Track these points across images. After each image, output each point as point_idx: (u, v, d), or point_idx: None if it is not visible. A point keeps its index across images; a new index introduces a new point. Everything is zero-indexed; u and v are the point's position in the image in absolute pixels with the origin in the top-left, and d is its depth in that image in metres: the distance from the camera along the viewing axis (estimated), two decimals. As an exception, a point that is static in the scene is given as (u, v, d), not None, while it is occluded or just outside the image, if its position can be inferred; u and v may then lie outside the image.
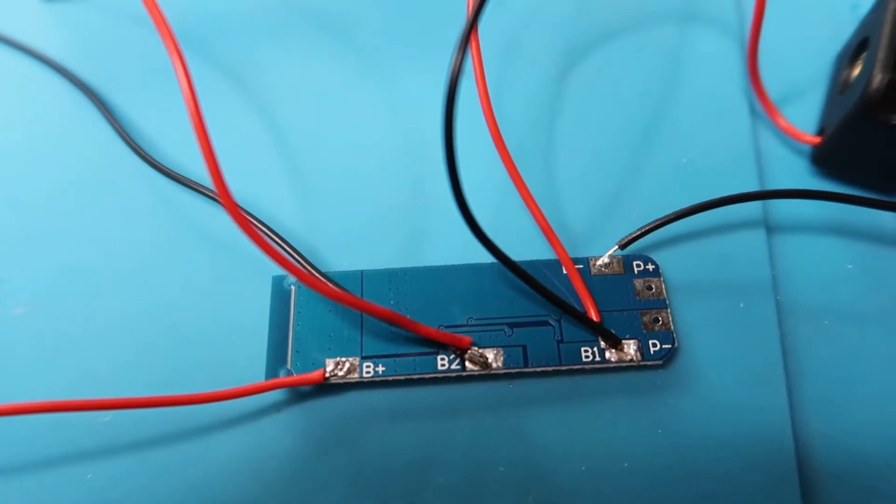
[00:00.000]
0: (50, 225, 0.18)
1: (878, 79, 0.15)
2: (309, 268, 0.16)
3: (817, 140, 0.17)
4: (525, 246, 0.17)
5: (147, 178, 0.19)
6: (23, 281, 0.17)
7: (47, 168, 0.19)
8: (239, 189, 0.18)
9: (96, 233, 0.18)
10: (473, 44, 0.16)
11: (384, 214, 0.18)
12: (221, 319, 0.17)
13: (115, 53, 0.21)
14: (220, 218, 0.18)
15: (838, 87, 0.17)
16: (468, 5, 0.16)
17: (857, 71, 0.17)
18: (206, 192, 0.18)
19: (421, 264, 0.17)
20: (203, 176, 0.18)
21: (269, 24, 0.21)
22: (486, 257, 0.16)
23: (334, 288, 0.14)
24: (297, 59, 0.20)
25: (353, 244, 0.18)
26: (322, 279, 0.15)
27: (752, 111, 0.19)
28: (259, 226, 0.17)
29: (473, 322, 0.16)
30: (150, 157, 0.18)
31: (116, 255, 0.18)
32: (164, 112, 0.20)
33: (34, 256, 0.18)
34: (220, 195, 0.13)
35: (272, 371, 0.16)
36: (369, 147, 0.19)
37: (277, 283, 0.17)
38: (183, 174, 0.18)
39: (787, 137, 0.18)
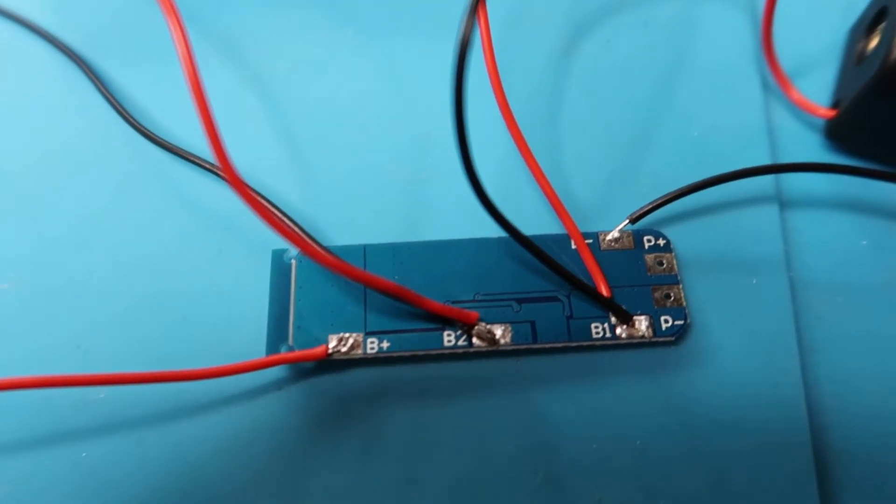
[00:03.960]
0: (37, 197, 0.17)
1: (898, 48, 0.14)
2: (313, 240, 0.15)
3: (831, 113, 0.17)
4: (532, 220, 0.16)
5: (139, 149, 0.18)
6: (8, 255, 0.17)
7: (35, 138, 0.18)
8: (236, 161, 0.17)
9: (85, 205, 0.17)
10: (482, 13, 0.16)
11: (385, 188, 0.17)
12: (218, 294, 0.16)
13: (104, 21, 0.20)
14: (216, 190, 0.17)
15: (854, 58, 0.17)
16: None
17: (874, 42, 0.16)
18: (202, 162, 0.17)
19: (424, 239, 0.16)
20: (197, 146, 0.18)
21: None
22: (493, 232, 0.16)
23: (340, 261, 0.14)
24: (293, 30, 0.20)
25: (354, 219, 0.17)
26: (327, 252, 0.15)
27: (764, 84, 0.18)
28: (260, 198, 0.16)
29: (480, 297, 0.15)
30: (142, 126, 0.18)
31: (107, 229, 0.17)
32: (155, 81, 0.19)
33: (20, 229, 0.17)
34: (222, 166, 0.12)
35: (273, 347, 0.15)
36: (369, 120, 0.18)
37: (277, 257, 0.16)
38: (177, 144, 0.17)
39: (800, 111, 0.18)
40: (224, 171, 0.12)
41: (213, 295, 0.16)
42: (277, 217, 0.16)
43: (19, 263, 0.16)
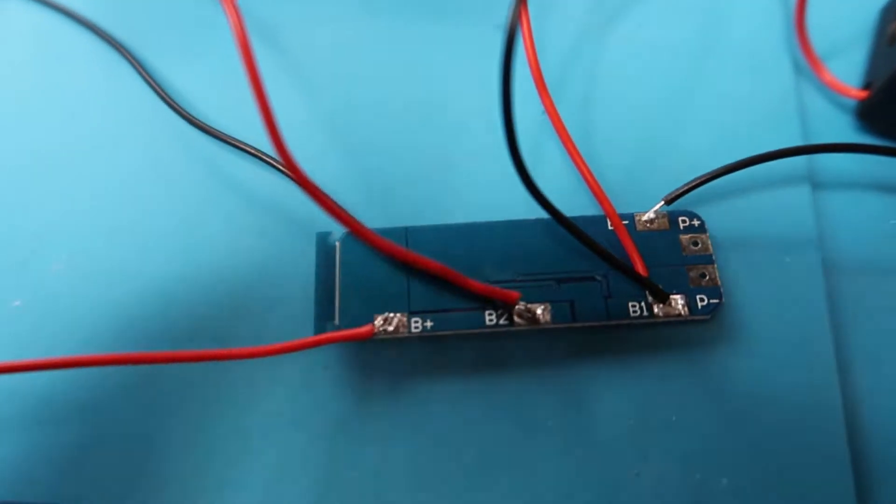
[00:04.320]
0: (87, 182, 0.18)
1: (934, 29, 0.15)
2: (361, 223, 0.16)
3: (863, 94, 0.17)
4: (568, 202, 0.17)
5: (183, 134, 0.18)
6: (61, 238, 0.17)
7: (84, 126, 0.19)
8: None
9: (133, 189, 0.18)
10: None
11: (422, 172, 0.18)
12: (264, 276, 0.17)
13: (146, 11, 0.20)
14: (258, 174, 0.18)
15: (886, 39, 0.17)
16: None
17: (907, 23, 0.17)
18: (246, 147, 0.18)
19: (462, 221, 0.17)
20: (239, 131, 0.18)
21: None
22: (528, 213, 0.16)
23: (392, 243, 0.14)
24: (329, 19, 0.20)
25: (391, 202, 0.17)
26: (380, 235, 0.15)
27: (796, 65, 0.18)
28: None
29: (520, 278, 0.16)
30: (187, 113, 0.18)
31: (155, 213, 0.18)
32: (196, 70, 0.19)
33: (71, 214, 0.17)
34: (279, 152, 0.13)
35: (320, 327, 0.16)
36: (404, 106, 0.19)
37: (322, 239, 0.17)
38: (221, 130, 0.18)
39: (831, 92, 0.18)
40: (282, 157, 0.13)
41: (260, 276, 0.17)
42: (333, 202, 0.16)
43: (71, 246, 0.17)
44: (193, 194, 0.18)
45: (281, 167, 0.17)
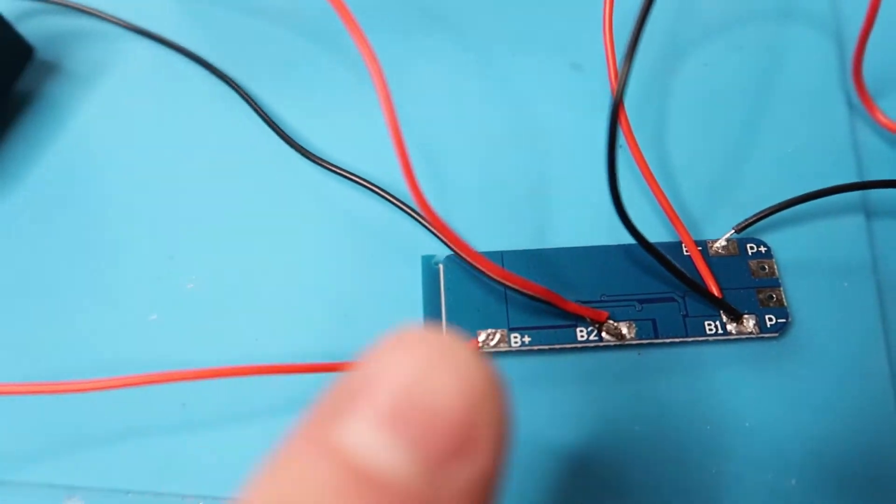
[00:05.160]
0: (211, 209, 0.20)
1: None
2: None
3: (913, 133, 0.19)
4: (646, 229, 0.19)
5: (292, 163, 0.20)
6: (192, 260, 0.19)
7: (205, 156, 0.21)
8: (380, 176, 0.20)
9: (249, 214, 0.20)
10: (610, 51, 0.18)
11: (512, 200, 0.20)
12: (374, 296, 0.19)
13: (250, 46, 0.22)
14: (364, 202, 0.20)
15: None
16: (604, 24, 0.18)
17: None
18: (352, 177, 0.20)
19: (550, 246, 0.19)
20: (343, 161, 0.20)
21: (390, 23, 0.23)
22: (611, 239, 0.18)
23: (501, 268, 0.16)
24: (422, 55, 0.22)
25: (486, 227, 0.19)
26: (491, 261, 0.17)
27: (850, 105, 0.20)
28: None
29: (606, 298, 0.18)
30: (296, 143, 0.20)
31: (270, 236, 0.19)
32: (303, 103, 0.21)
33: (200, 238, 0.19)
34: (411, 187, 0.15)
35: (430, 340, 0.18)
36: (494, 138, 0.21)
37: (427, 262, 0.19)
38: (326, 159, 0.20)
39: (883, 130, 0.20)
40: (412, 190, 0.15)
41: (370, 296, 0.19)
42: (452, 230, 0.18)
43: (200, 267, 0.19)
44: (305, 219, 0.20)
45: (385, 195, 0.19)
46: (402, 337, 0.09)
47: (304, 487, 0.08)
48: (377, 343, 0.09)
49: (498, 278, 0.17)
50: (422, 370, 0.09)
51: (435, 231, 0.16)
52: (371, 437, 0.08)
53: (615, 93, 0.14)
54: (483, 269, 0.17)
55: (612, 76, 0.18)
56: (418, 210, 0.15)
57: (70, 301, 0.19)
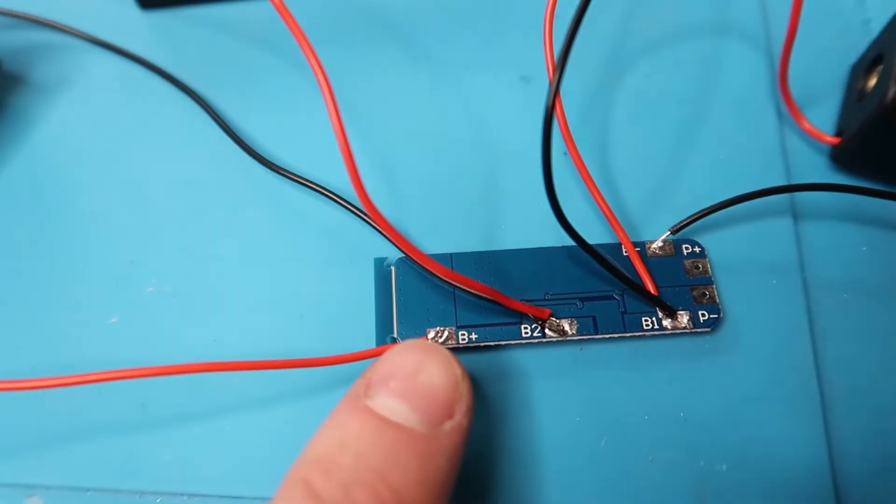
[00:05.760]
0: (172, 216, 0.21)
1: (892, 91, 0.18)
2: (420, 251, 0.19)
3: (836, 140, 0.20)
4: (587, 231, 0.19)
5: (252, 172, 0.21)
6: (152, 264, 0.20)
7: (166, 165, 0.21)
8: (336, 184, 0.20)
9: (209, 219, 0.21)
10: (550, 63, 0.19)
11: (463, 205, 0.21)
12: (328, 296, 0.19)
13: (211, 59, 0.23)
14: (320, 208, 0.21)
15: (855, 94, 0.20)
16: (545, 38, 0.19)
17: (872, 82, 0.20)
18: (308, 184, 0.20)
19: (498, 248, 0.20)
20: (300, 168, 0.21)
21: (346, 35, 0.24)
22: (556, 241, 0.19)
23: (447, 269, 0.17)
24: (378, 67, 0.23)
25: (438, 231, 0.20)
26: (437, 261, 0.18)
27: (779, 114, 0.22)
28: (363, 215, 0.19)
29: (550, 297, 0.19)
30: (257, 153, 0.21)
31: (229, 239, 0.20)
32: (262, 113, 0.22)
33: (161, 244, 0.20)
34: (359, 193, 0.15)
35: (382, 339, 0.18)
36: (447, 146, 0.22)
37: (379, 264, 0.19)
38: (285, 167, 0.21)
39: (809, 138, 0.21)
40: (359, 194, 0.15)
41: (324, 297, 0.19)
42: (401, 234, 0.19)
43: (161, 270, 0.20)
44: (264, 224, 0.20)
45: (340, 200, 0.20)
46: (406, 343, 0.16)
47: (352, 430, 0.14)
48: (392, 348, 0.15)
49: (445, 278, 0.18)
50: (422, 363, 0.15)
51: (386, 234, 0.16)
52: (394, 404, 0.14)
53: (548, 98, 0.15)
54: (431, 270, 0.17)
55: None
56: (368, 214, 0.16)
57: (33, 304, 0.19)
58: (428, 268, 0.17)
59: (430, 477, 0.13)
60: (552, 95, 0.15)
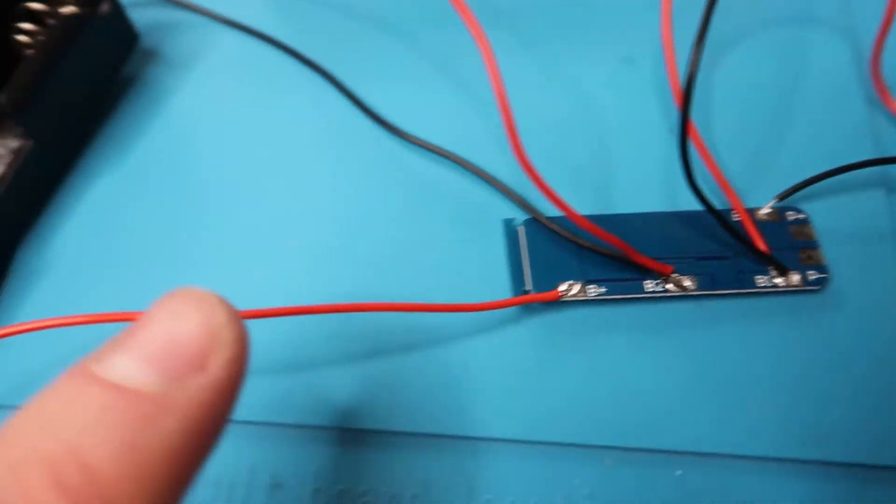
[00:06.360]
0: (305, 180, 0.22)
1: None
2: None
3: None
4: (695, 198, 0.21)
5: (380, 141, 0.23)
6: (291, 225, 0.21)
7: (293, 133, 0.23)
8: (471, 156, 0.22)
9: (339, 189, 0.22)
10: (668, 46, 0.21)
11: (576, 172, 0.22)
12: (462, 257, 0.21)
13: (332, 36, 0.25)
14: (442, 174, 0.22)
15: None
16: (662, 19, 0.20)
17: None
18: (435, 149, 0.22)
19: (618, 211, 0.21)
20: (428, 135, 0.22)
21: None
22: (669, 206, 0.21)
23: (591, 223, 0.18)
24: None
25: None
26: (584, 217, 0.19)
27: (868, 98, 0.23)
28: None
29: (671, 256, 0.20)
30: (386, 121, 0.23)
31: (363, 206, 0.22)
32: (383, 87, 0.24)
33: (299, 204, 0.22)
34: (518, 156, 0.17)
35: (517, 290, 0.20)
36: (560, 122, 0.23)
37: (508, 224, 0.21)
38: (412, 134, 0.22)
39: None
40: (519, 159, 0.17)
41: (456, 258, 0.21)
42: (554, 192, 0.20)
43: (302, 227, 0.21)
44: (394, 189, 0.22)
45: (466, 165, 0.22)
46: (165, 295, 0.12)
47: (73, 405, 0.10)
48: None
49: (591, 232, 0.19)
50: (171, 313, 0.12)
51: (543, 192, 0.18)
52: (124, 365, 0.11)
53: (688, 77, 0.17)
54: (582, 227, 0.19)
55: (671, 64, 0.21)
56: (525, 175, 0.18)
57: (162, 266, 0.21)
58: (575, 221, 0.18)
59: (147, 443, 0.10)
60: (688, 80, 0.17)
